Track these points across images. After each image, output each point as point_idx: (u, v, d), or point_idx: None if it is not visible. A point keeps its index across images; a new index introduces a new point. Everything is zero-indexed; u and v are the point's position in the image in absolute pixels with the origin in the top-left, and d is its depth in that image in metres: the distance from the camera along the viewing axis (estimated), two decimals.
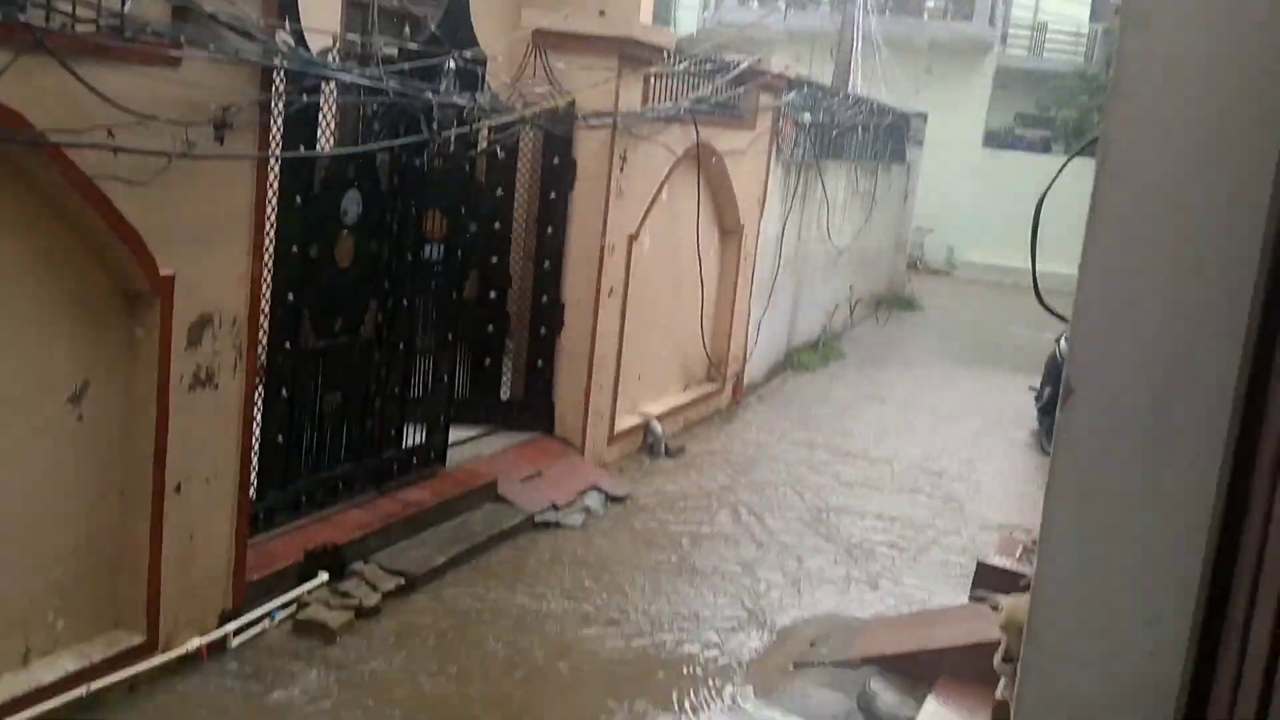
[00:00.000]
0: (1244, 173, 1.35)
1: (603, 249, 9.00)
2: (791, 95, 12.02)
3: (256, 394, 6.07)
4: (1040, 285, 2.39)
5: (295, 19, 5.71)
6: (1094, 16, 28.81)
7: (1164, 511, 1.32)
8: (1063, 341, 11.31)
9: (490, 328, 9.01)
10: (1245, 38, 1.37)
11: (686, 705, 5.94)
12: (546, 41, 8.48)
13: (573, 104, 8.44)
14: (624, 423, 9.92)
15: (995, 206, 21.51)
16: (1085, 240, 1.36)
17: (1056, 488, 1.36)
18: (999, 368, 15.20)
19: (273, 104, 5.71)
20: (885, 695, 5.94)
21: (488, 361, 9.08)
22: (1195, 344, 1.29)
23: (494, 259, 8.93)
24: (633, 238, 9.41)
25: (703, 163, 10.34)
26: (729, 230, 11.54)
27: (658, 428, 10.20)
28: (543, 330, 9.17)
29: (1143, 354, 1.30)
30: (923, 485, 10.12)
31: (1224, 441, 1.27)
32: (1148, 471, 1.32)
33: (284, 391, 6.55)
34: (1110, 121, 1.43)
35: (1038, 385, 12.01)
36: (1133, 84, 1.42)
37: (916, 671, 6.04)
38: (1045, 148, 25.75)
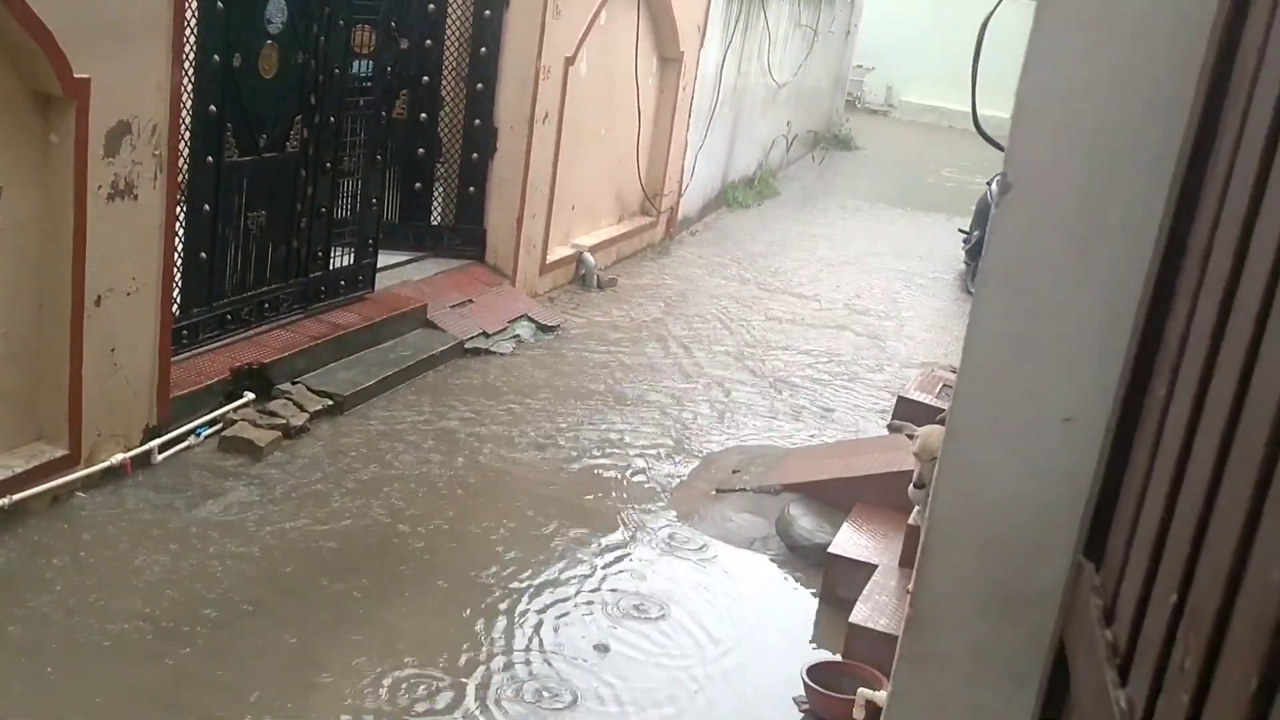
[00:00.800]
0: None
1: (538, 72, 8.77)
2: None
3: (178, 209, 5.92)
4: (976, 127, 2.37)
5: None
6: None
7: (1090, 309, 1.33)
8: (993, 185, 11.36)
9: (420, 150, 8.81)
10: None
11: (610, 524, 6.08)
12: None
13: None
14: (556, 253, 9.86)
15: (937, 47, 21.23)
16: (1031, 32, 1.33)
17: (986, 283, 1.36)
18: (930, 210, 15.29)
19: None
20: (803, 520, 6.13)
21: (418, 186, 8.91)
22: (1134, 141, 1.28)
23: (424, 79, 8.66)
24: (569, 61, 9.17)
25: None
26: (668, 58, 11.29)
27: (590, 259, 10.16)
28: (474, 155, 8.99)
29: (1082, 148, 1.29)
30: (849, 323, 10.26)
31: (1155, 240, 1.27)
32: (1078, 268, 1.33)
33: (207, 207, 6.39)
34: None
35: (967, 228, 12.12)
36: None
37: (834, 498, 6.22)
38: None
